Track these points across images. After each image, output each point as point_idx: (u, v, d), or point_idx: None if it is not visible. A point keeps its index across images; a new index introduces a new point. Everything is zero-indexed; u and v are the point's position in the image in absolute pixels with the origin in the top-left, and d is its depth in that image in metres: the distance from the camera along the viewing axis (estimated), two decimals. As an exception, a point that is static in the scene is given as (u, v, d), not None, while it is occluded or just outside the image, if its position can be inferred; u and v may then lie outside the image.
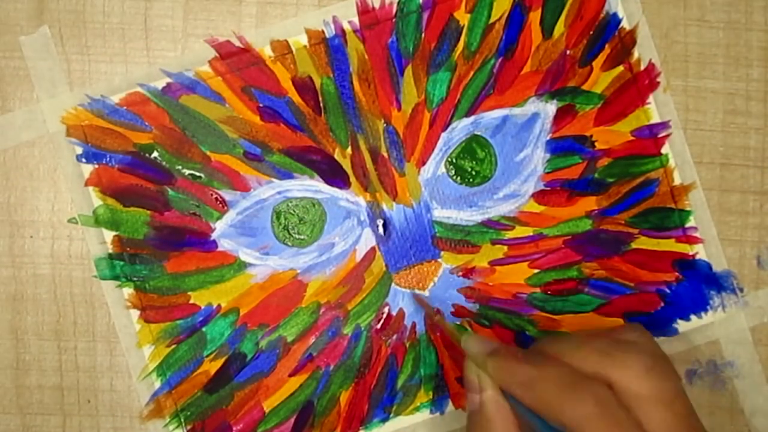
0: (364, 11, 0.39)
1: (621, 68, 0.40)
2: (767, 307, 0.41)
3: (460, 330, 0.36)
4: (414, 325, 0.40)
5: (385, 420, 0.40)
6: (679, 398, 0.32)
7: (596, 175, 0.40)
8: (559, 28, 0.40)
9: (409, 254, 0.40)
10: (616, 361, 0.32)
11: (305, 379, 0.40)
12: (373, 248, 0.40)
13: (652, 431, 0.31)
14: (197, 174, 0.39)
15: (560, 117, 0.40)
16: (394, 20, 0.39)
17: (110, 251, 0.39)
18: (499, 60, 0.40)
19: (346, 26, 0.39)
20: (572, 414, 0.30)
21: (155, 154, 0.39)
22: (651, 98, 0.41)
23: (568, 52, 0.40)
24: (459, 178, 0.40)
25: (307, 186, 0.40)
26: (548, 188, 0.40)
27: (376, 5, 0.39)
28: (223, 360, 0.40)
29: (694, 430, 0.32)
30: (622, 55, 0.40)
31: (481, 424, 0.33)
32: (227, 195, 0.39)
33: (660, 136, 0.41)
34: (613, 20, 0.40)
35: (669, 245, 0.41)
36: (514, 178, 0.40)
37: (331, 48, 0.39)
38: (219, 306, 0.39)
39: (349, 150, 0.40)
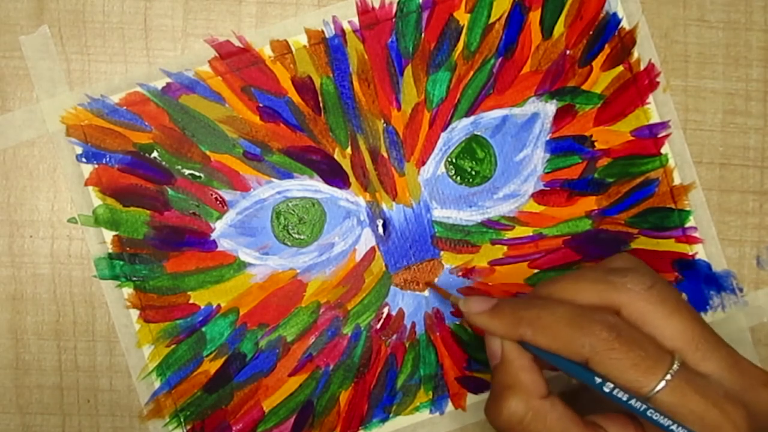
0: (363, 11, 0.39)
1: (621, 68, 0.40)
2: (767, 307, 0.41)
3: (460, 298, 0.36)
4: (414, 325, 0.40)
5: (384, 420, 0.40)
6: (685, 306, 0.33)
7: (596, 175, 0.40)
8: (559, 28, 0.40)
9: (408, 254, 0.40)
10: (617, 285, 0.32)
11: (305, 378, 0.40)
12: (372, 248, 0.40)
13: (667, 340, 0.32)
14: (197, 174, 0.39)
15: (560, 117, 0.40)
16: (393, 20, 0.39)
17: (110, 251, 0.39)
18: (499, 60, 0.40)
19: (346, 26, 0.39)
20: (589, 344, 0.31)
21: (155, 153, 0.39)
22: (651, 98, 0.41)
23: (567, 52, 0.40)
24: (459, 178, 0.40)
25: (307, 186, 0.40)
26: (548, 188, 0.40)
27: (376, 5, 0.39)
28: (222, 360, 0.40)
29: (705, 330, 0.32)
30: (621, 55, 0.40)
31: (506, 371, 0.33)
32: (227, 195, 0.39)
33: (660, 136, 0.41)
34: (613, 20, 0.40)
35: (669, 245, 0.41)
36: (513, 178, 0.40)
37: (330, 48, 0.39)
38: (219, 306, 0.39)
39: (348, 150, 0.40)
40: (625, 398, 0.31)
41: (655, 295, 0.32)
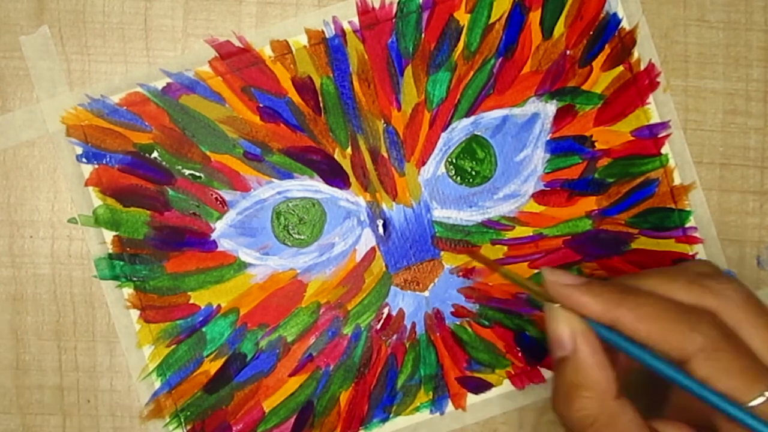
0: (364, 11, 0.39)
1: (621, 68, 0.40)
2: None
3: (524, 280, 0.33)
4: (414, 325, 0.40)
5: (384, 420, 0.40)
6: None
7: (596, 175, 0.41)
8: (559, 28, 0.40)
9: (408, 254, 0.40)
10: (714, 291, 0.31)
11: (305, 379, 0.40)
12: (373, 248, 0.40)
13: (759, 353, 0.30)
14: (197, 174, 0.39)
15: (560, 117, 0.40)
16: (393, 20, 0.39)
17: (110, 251, 0.39)
18: (499, 60, 0.40)
19: (346, 26, 0.39)
20: (698, 341, 0.29)
21: (155, 154, 0.39)
22: (651, 98, 0.41)
23: (568, 52, 0.40)
24: (459, 178, 0.40)
25: (307, 186, 0.40)
26: (548, 188, 0.40)
27: (376, 5, 0.39)
28: (223, 360, 0.40)
29: None
30: (622, 55, 0.40)
31: (577, 367, 0.31)
32: (227, 195, 0.39)
33: (660, 136, 0.41)
34: (613, 20, 0.40)
35: (669, 245, 0.41)
36: (514, 178, 0.40)
37: (331, 48, 0.39)
38: (219, 306, 0.39)
39: (349, 150, 0.40)
40: (722, 403, 0.29)
41: (753, 306, 0.31)
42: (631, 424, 0.30)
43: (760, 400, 0.28)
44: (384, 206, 0.40)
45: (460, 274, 0.40)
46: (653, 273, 0.32)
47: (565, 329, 0.31)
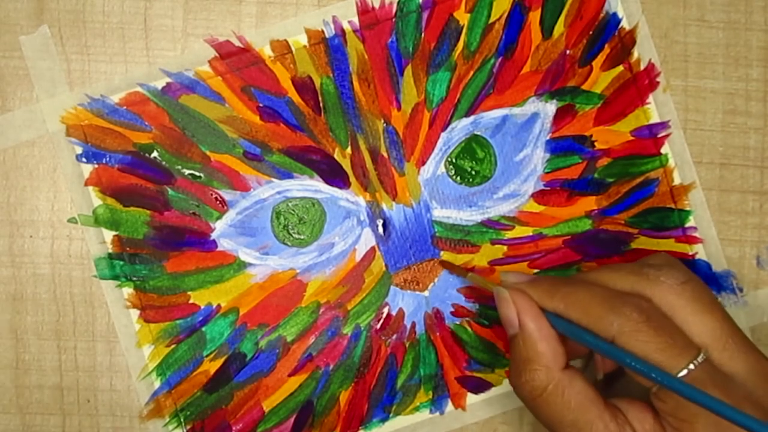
0: (363, 11, 0.39)
1: (621, 68, 0.40)
2: (767, 307, 0.41)
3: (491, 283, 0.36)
4: (414, 325, 0.40)
5: (384, 420, 0.40)
6: (717, 305, 0.33)
7: (596, 175, 0.40)
8: (559, 28, 0.40)
9: (408, 254, 0.40)
10: (651, 277, 0.33)
11: (305, 378, 0.40)
12: (372, 248, 0.40)
13: (695, 336, 0.32)
14: (197, 174, 0.39)
15: (560, 117, 0.40)
16: (393, 20, 0.39)
17: (110, 251, 0.39)
18: (499, 60, 0.40)
19: (346, 26, 0.39)
20: (618, 323, 0.31)
21: (155, 153, 0.39)
22: (651, 98, 0.41)
23: (567, 52, 0.40)
24: (459, 177, 0.40)
25: (307, 186, 0.40)
26: (548, 188, 0.40)
27: (376, 5, 0.39)
28: (222, 360, 0.40)
29: (735, 331, 0.32)
30: (621, 55, 0.40)
31: (525, 343, 0.33)
32: (227, 195, 0.39)
33: (660, 136, 0.41)
34: (613, 20, 0.40)
35: (668, 245, 0.41)
36: (513, 178, 0.40)
37: (330, 48, 0.39)
38: (219, 306, 0.39)
39: (348, 150, 0.40)
40: (652, 372, 0.30)
41: (688, 291, 0.33)
42: (579, 394, 0.32)
43: (683, 373, 0.30)
44: (384, 206, 0.40)
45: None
46: (603, 267, 0.35)
47: (511, 308, 0.34)
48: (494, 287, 0.35)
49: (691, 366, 0.31)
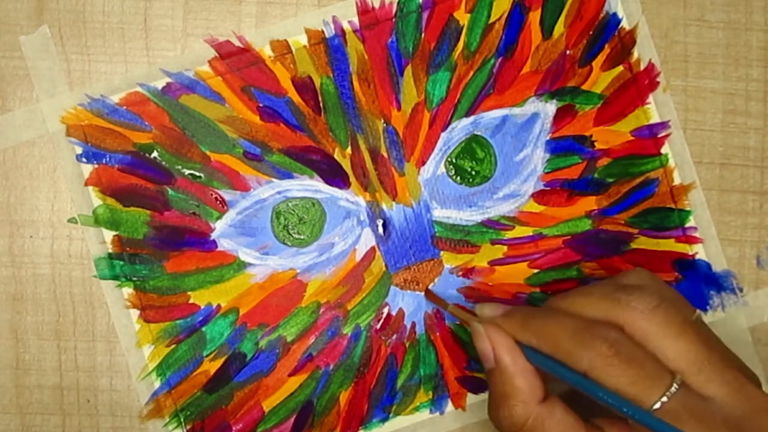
0: (363, 11, 0.39)
1: (621, 68, 0.40)
2: (767, 307, 0.41)
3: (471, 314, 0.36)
4: (414, 325, 0.40)
5: (384, 420, 0.40)
6: (691, 327, 0.32)
7: (596, 175, 0.40)
8: (559, 28, 0.40)
9: (408, 254, 0.40)
10: (621, 303, 0.32)
11: (305, 378, 0.40)
12: (372, 248, 0.40)
13: (670, 361, 0.31)
14: (197, 174, 0.39)
15: (560, 117, 0.40)
16: (393, 20, 0.39)
17: (110, 251, 0.39)
18: (499, 60, 0.40)
19: (346, 26, 0.39)
20: (588, 358, 0.31)
21: (155, 153, 0.39)
22: (651, 98, 0.41)
23: (567, 52, 0.40)
24: (459, 178, 0.40)
25: (307, 186, 0.40)
26: (548, 188, 0.40)
27: (376, 5, 0.39)
28: (222, 360, 0.40)
29: (712, 352, 0.32)
30: (621, 55, 0.40)
31: (501, 378, 0.33)
32: (227, 195, 0.39)
33: (660, 136, 0.41)
34: (613, 20, 0.40)
35: (669, 245, 0.41)
36: (513, 178, 0.40)
37: (330, 48, 0.39)
38: (219, 306, 0.39)
39: (348, 150, 0.40)
40: (623, 407, 0.30)
41: (660, 316, 0.32)
42: (559, 424, 0.32)
43: (657, 405, 0.30)
44: (384, 206, 0.40)
45: (460, 273, 0.40)
46: (575, 292, 0.35)
47: (486, 343, 0.34)
48: (471, 321, 0.35)
49: (664, 398, 0.30)
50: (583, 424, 0.33)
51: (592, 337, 0.31)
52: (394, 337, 0.40)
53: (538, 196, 0.40)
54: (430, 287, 0.40)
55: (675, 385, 0.30)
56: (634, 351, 0.31)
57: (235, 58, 0.39)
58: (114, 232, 0.39)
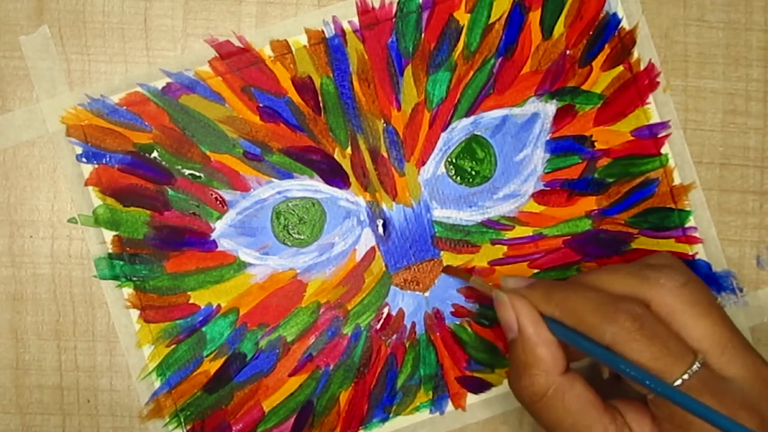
0: (363, 11, 0.39)
1: (621, 68, 0.40)
2: (767, 307, 0.41)
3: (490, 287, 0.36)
4: (414, 325, 0.40)
5: (384, 420, 0.40)
6: (716, 308, 0.33)
7: (596, 175, 0.40)
8: (559, 28, 0.40)
9: (408, 254, 0.40)
10: (650, 280, 0.33)
11: (305, 379, 0.40)
12: (372, 248, 0.40)
13: (694, 340, 0.32)
14: (197, 174, 0.39)
15: (560, 117, 0.40)
16: (393, 20, 0.39)
17: (110, 251, 0.39)
18: (499, 60, 0.40)
19: (346, 26, 0.39)
20: (611, 332, 0.31)
21: (155, 154, 0.39)
22: (651, 98, 0.41)
23: (567, 52, 0.40)
24: (459, 178, 0.40)
25: (307, 186, 0.40)
26: (548, 188, 0.40)
27: (376, 5, 0.39)
28: (222, 360, 0.40)
29: (735, 334, 0.32)
30: (621, 55, 0.40)
31: (524, 347, 0.33)
32: (227, 195, 0.39)
33: (660, 136, 0.41)
34: (613, 20, 0.40)
35: (669, 245, 0.41)
36: (513, 178, 0.40)
37: (330, 48, 0.39)
38: (219, 306, 0.39)
39: (348, 150, 0.40)
40: (646, 380, 0.30)
41: (686, 294, 0.32)
42: (579, 398, 0.32)
43: (677, 383, 0.30)
44: (384, 206, 0.40)
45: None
46: (602, 269, 0.35)
47: (510, 312, 0.34)
48: (493, 291, 0.35)
49: (686, 376, 0.30)
50: (601, 401, 0.33)
51: (616, 312, 0.31)
52: (394, 337, 0.40)
53: (538, 196, 0.40)
54: (447, 265, 0.40)
55: (697, 363, 0.31)
56: (658, 327, 0.31)
57: (235, 58, 0.39)
58: (114, 232, 0.39)
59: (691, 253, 0.41)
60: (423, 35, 0.40)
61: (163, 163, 0.39)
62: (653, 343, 0.31)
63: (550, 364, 0.33)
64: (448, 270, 0.40)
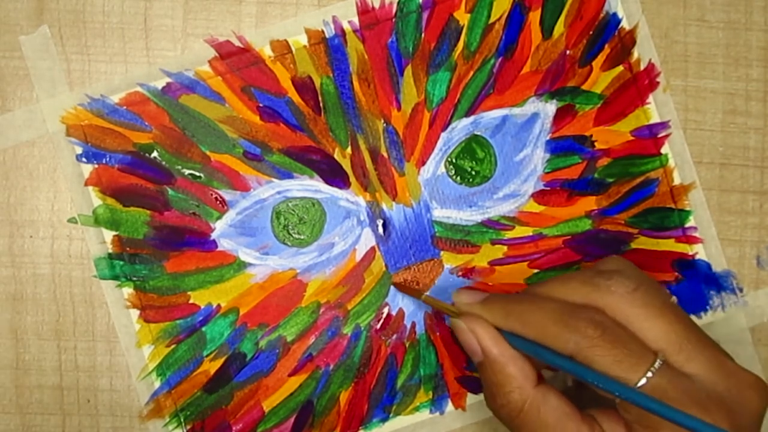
0: (363, 11, 0.39)
1: (621, 68, 0.40)
2: (767, 307, 0.41)
3: (448, 306, 0.36)
4: (414, 325, 0.40)
5: (384, 420, 0.40)
6: (670, 308, 0.33)
7: (596, 175, 0.41)
8: (559, 28, 0.40)
9: (408, 254, 0.40)
10: (601, 288, 0.33)
11: (305, 378, 0.40)
12: (372, 248, 0.40)
13: (651, 342, 0.32)
14: (197, 174, 0.39)
15: (560, 117, 0.40)
16: (393, 20, 0.39)
17: (110, 251, 0.39)
18: (499, 60, 0.40)
19: (346, 26, 0.39)
20: (574, 341, 0.31)
21: (155, 153, 0.39)
22: (651, 98, 0.41)
23: (567, 52, 0.40)
24: (459, 178, 0.40)
25: (307, 186, 0.40)
26: (548, 188, 0.40)
27: (376, 5, 0.39)
28: (222, 360, 0.40)
29: (691, 332, 0.32)
30: (621, 55, 0.40)
31: (492, 369, 0.34)
32: (227, 195, 0.39)
33: (660, 136, 0.41)
34: (613, 20, 0.40)
35: (669, 245, 0.41)
36: (513, 178, 0.40)
37: (330, 48, 0.39)
38: (219, 306, 0.39)
39: (348, 150, 0.40)
40: (610, 386, 0.31)
41: (638, 298, 0.33)
42: (555, 410, 0.33)
43: (642, 381, 0.31)
44: (384, 206, 0.40)
45: (460, 273, 0.40)
46: (554, 279, 0.35)
47: (470, 337, 0.34)
48: (452, 319, 0.35)
49: (649, 374, 0.31)
50: (578, 412, 0.33)
51: (577, 320, 0.32)
52: (394, 337, 0.40)
53: (538, 196, 0.40)
54: (397, 282, 0.40)
55: (659, 361, 0.31)
56: (618, 331, 0.32)
57: (235, 58, 0.39)
58: (114, 232, 0.39)
59: (691, 253, 0.41)
60: (423, 35, 0.40)
61: (163, 163, 0.39)
62: (615, 346, 0.31)
63: (521, 379, 0.33)
64: (399, 287, 0.40)
